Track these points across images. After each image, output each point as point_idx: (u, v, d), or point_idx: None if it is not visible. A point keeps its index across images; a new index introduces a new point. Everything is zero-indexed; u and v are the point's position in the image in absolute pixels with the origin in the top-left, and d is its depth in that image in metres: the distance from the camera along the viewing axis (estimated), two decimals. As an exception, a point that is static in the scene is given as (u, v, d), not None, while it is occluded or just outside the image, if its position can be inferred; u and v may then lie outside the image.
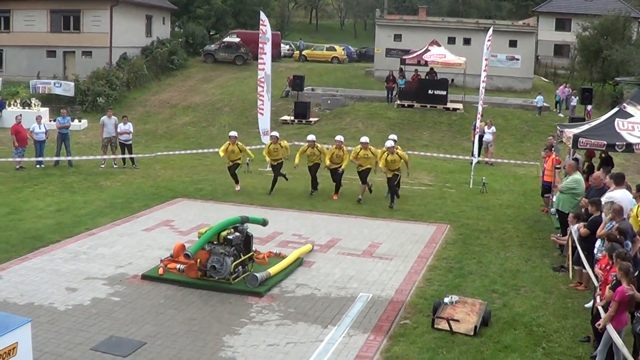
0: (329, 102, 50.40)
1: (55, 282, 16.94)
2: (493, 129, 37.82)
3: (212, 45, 69.38)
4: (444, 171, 34.49)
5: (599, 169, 22.80)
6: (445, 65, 51.36)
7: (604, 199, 17.36)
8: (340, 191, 27.86)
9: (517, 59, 60.53)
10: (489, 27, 35.26)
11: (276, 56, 63.06)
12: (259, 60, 33.79)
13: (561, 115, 50.12)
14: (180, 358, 13.00)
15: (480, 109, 30.68)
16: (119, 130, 34.14)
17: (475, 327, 14.23)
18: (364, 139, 27.54)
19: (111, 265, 18.38)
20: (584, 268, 16.45)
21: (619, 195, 17.23)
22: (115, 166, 34.05)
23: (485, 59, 30.66)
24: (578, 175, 20.52)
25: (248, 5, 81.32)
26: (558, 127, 25.32)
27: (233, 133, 29.37)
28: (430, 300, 15.91)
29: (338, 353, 13.29)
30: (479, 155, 33.92)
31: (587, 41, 65.29)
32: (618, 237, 14.22)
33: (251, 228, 18.22)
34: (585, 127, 22.52)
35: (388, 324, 14.79)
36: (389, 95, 51.49)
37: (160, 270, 17.53)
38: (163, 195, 26.94)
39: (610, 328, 11.99)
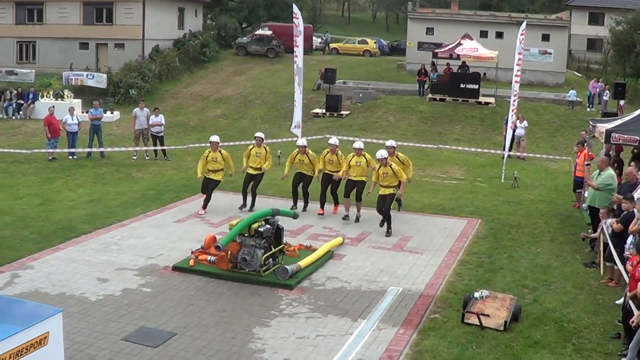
0: (360, 95, 50.32)
1: (86, 273, 17.05)
2: (525, 123, 37.62)
3: (244, 38, 69.38)
4: (476, 165, 34.36)
5: (629, 164, 22.64)
6: (477, 59, 51.20)
7: (636, 195, 17.24)
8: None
9: (550, 53, 60.12)
10: (522, 21, 35.04)
11: (308, 49, 63.04)
12: (294, 53, 33.76)
13: (592, 109, 49.73)
14: (210, 349, 13.04)
15: (515, 103, 30.48)
16: (150, 122, 34.27)
17: (506, 322, 14.17)
18: (357, 144, 23.97)
19: (142, 256, 18.47)
20: (616, 264, 16.35)
21: (652, 191, 17.12)
22: (147, 158, 34.21)
23: (518, 53, 30.48)
24: (611, 171, 20.36)
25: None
26: (590, 122, 25.13)
27: (215, 138, 24.78)
28: (461, 294, 15.86)
29: (367, 346, 13.28)
30: (510, 150, 33.73)
31: (620, 35, 64.71)
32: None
33: (282, 221, 18.25)
34: (618, 122, 22.35)
35: (418, 318, 14.77)
36: (421, 89, 51.34)
37: (191, 262, 17.59)
38: (194, 187, 26.98)
39: (642, 325, 11.91)
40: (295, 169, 24.28)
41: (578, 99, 50.49)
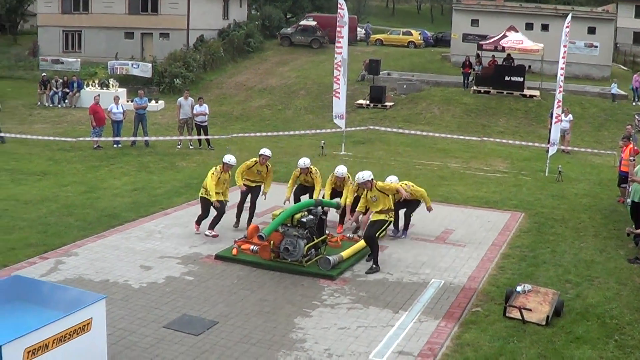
0: (404, 86, 50.19)
1: (130, 260, 17.18)
2: (570, 116, 37.35)
3: (289, 29, 69.43)
4: (520, 159, 34.15)
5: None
6: (522, 52, 50.82)
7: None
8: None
9: (596, 46, 59.53)
10: (568, 14, 34.83)
11: (352, 40, 62.94)
12: (337, 44, 33.75)
13: (639, 103, 49.16)
14: (252, 338, 13.08)
15: (560, 96, 30.22)
16: (195, 111, 34.43)
17: (548, 317, 14.06)
18: (339, 169, 20.53)
19: (185, 244, 18.57)
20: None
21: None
22: (191, 147, 34.38)
23: (564, 46, 30.22)
24: (657, 165, 20.18)
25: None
26: (636, 116, 24.91)
27: (268, 152, 21.11)
28: (503, 288, 15.77)
29: (409, 338, 13.25)
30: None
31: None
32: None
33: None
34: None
35: (460, 310, 14.71)
36: (465, 81, 51.11)
37: (234, 251, 17.66)
38: (238, 176, 27.14)
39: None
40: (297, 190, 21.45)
41: (622, 92, 49.93)
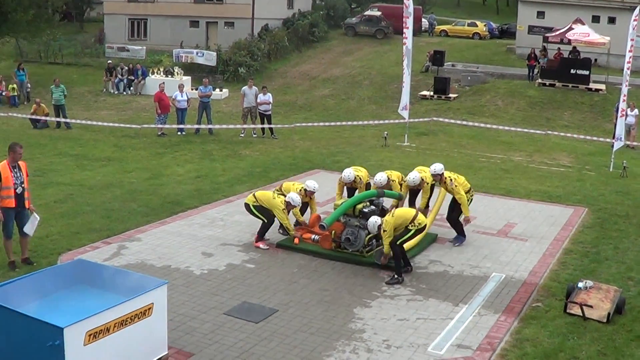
0: (469, 78, 49.88)
1: (192, 247, 17.32)
2: (636, 111, 36.81)
3: (353, 19, 69.23)
4: (584, 153, 33.74)
5: None
6: (588, 45, 50.15)
7: None
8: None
9: (665, 40, 58.59)
10: (635, 6, 34.23)
11: (417, 31, 62.67)
12: (403, 34, 33.63)
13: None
14: (311, 327, 13.13)
15: (626, 90, 29.80)
16: (258, 100, 34.57)
17: (609, 314, 13.89)
18: (378, 176, 18.84)
19: (247, 232, 18.65)
20: None
21: None
22: (254, 136, 34.52)
23: (631, 39, 29.76)
24: None
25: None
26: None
27: (313, 185, 18.76)
28: (564, 284, 15.61)
29: (468, 332, 13.19)
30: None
31: None
32: None
33: (387, 203, 18.22)
34: None
35: (520, 305, 14.59)
36: (530, 74, 50.60)
37: (295, 240, 17.70)
38: (300, 166, 27.15)
39: None
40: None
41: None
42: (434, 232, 19.01)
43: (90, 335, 10.12)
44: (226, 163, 27.74)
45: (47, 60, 58.86)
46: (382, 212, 17.63)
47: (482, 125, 37.36)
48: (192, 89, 43.10)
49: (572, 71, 48.03)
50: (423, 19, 75.70)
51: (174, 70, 49.69)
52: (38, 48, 59.50)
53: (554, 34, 51.22)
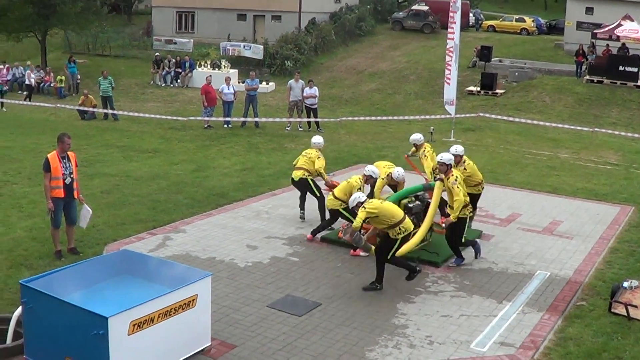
0: (516, 74, 49.49)
1: (236, 239, 17.37)
2: (686, 109, 36.45)
3: (401, 13, 68.97)
4: (632, 151, 33.35)
5: None
6: (637, 41, 49.51)
7: None
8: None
9: None
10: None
11: (465, 26, 62.34)
12: (449, 29, 33.51)
13: None
14: (354, 321, 13.12)
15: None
16: (305, 94, 34.62)
17: (654, 314, 13.78)
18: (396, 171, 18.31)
19: (291, 226, 18.69)
20: None
21: None
22: (300, 129, 34.58)
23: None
24: None
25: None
26: None
27: (319, 140, 20.53)
28: (609, 283, 15.45)
29: (511, 329, 13.11)
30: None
31: None
32: None
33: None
34: None
35: (564, 304, 14.47)
36: (578, 70, 50.12)
37: (340, 234, 17.68)
38: (346, 160, 27.13)
39: None
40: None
41: None
42: (478, 229, 18.91)
43: (134, 325, 10.19)
44: (272, 156, 27.80)
45: (95, 52, 59.39)
46: (427, 208, 17.50)
47: (529, 121, 37.11)
48: (238, 82, 43.24)
49: (621, 68, 47.44)
50: (470, 14, 75.27)
51: (221, 63, 49.83)
52: (86, 40, 60.06)
53: (602, 30, 50.70)
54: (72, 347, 10.37)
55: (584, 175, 26.87)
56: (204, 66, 50.12)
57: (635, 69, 47.12)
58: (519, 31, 71.63)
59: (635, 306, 13.91)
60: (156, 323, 10.53)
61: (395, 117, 37.69)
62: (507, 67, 52.22)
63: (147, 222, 18.51)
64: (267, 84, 48.29)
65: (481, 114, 37.49)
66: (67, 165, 15.47)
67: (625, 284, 14.82)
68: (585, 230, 19.72)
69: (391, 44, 61.48)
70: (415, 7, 68.28)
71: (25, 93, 44.82)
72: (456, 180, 15.96)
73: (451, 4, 32.98)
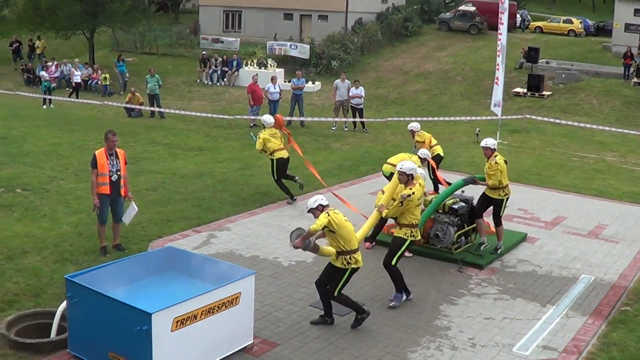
0: (563, 76, 49.14)
1: (280, 238, 17.39)
2: None
3: (447, 14, 68.69)
4: (680, 155, 33.04)
5: None
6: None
7: None
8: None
9: None
10: None
11: (512, 26, 61.95)
12: (498, 30, 33.33)
13: None
14: (397, 322, 13.12)
15: None
16: (351, 93, 34.65)
17: (700, 320, 13.63)
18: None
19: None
20: None
21: None
22: (345, 129, 34.61)
23: None
24: None
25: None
26: None
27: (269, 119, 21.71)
28: (655, 287, 15.37)
29: (554, 333, 13.03)
30: None
31: None
32: None
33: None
34: None
35: (608, 308, 14.35)
36: (626, 72, 49.69)
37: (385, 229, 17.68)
38: (390, 161, 27.12)
39: None
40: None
41: None
42: (523, 232, 18.82)
43: (177, 321, 10.27)
44: (317, 156, 27.81)
45: (142, 51, 59.79)
46: (472, 209, 17.44)
47: (576, 124, 36.82)
48: (284, 82, 43.32)
49: (670, 70, 47.04)
50: (518, 15, 74.83)
51: (267, 62, 50.03)
52: (133, 38, 60.48)
53: (650, 31, 50.26)
54: (116, 343, 10.48)
55: (631, 178, 26.63)
56: (251, 65, 50.34)
57: (684, 72, 46.66)
58: (566, 32, 71.03)
59: (681, 312, 13.77)
60: (199, 320, 10.59)
61: (441, 118, 37.56)
62: (554, 68, 51.85)
63: (191, 219, 18.61)
64: (313, 83, 48.40)
65: (527, 116, 37.24)
66: (115, 162, 15.57)
67: (671, 289, 14.68)
68: (630, 234, 19.55)
69: (437, 45, 61.29)
70: (462, 7, 67.94)
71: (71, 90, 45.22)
72: (408, 196, 13.72)
73: (499, 4, 32.81)
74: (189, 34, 64.58)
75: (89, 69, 49.38)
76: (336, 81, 36.01)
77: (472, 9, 66.52)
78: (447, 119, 37.79)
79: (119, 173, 15.63)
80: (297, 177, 21.40)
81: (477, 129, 32.62)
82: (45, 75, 42.64)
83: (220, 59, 51.76)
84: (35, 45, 58.17)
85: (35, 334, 11.83)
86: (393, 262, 13.96)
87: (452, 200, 17.21)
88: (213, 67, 51.12)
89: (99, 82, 47.02)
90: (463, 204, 17.25)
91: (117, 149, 15.75)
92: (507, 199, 17.09)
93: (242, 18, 64.74)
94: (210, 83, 50.43)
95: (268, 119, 21.52)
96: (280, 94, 35.47)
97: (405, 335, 12.65)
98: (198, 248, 16.40)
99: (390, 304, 13.90)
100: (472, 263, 16.31)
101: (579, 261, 17.14)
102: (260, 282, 13.72)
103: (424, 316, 13.50)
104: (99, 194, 15.50)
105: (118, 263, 12.26)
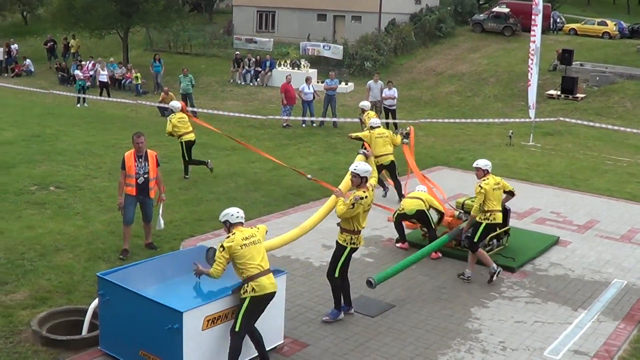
0: (597, 78, 48.82)
1: (312, 238, 17.31)
2: None
3: (481, 15, 68.41)
4: None
5: None
6: None
7: None
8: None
9: None
10: None
11: (546, 28, 61.65)
12: (531, 32, 33.20)
13: None
14: (427, 324, 13.12)
15: None
16: (384, 95, 34.64)
17: None
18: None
19: (368, 227, 18.40)
20: None
21: None
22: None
23: None
24: None
25: (520, -25, 79.94)
26: None
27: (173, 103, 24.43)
28: (689, 292, 15.26)
29: (586, 338, 12.97)
30: None
31: None
32: None
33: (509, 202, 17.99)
34: None
35: (640, 313, 14.31)
36: (661, 75, 49.40)
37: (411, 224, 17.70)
38: (423, 161, 27.00)
39: None
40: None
41: None
42: (555, 235, 18.75)
43: (208, 320, 10.33)
44: (349, 156, 27.75)
45: (176, 50, 60.11)
46: (504, 212, 17.31)
47: (610, 127, 36.55)
48: (318, 82, 43.36)
49: (703, 73, 46.66)
50: (551, 17, 74.48)
51: (300, 63, 50.12)
52: (167, 38, 60.88)
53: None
54: (147, 341, 10.55)
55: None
56: (284, 65, 50.48)
57: None
58: (600, 35, 70.62)
59: None
60: (230, 319, 10.64)
61: (474, 120, 37.42)
62: (588, 71, 51.51)
63: (224, 219, 18.66)
64: (346, 84, 48.43)
65: (561, 118, 37.03)
66: (143, 164, 15.61)
67: None
68: (665, 238, 19.42)
69: (471, 46, 61.07)
70: (496, 9, 67.68)
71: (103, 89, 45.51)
72: (362, 198, 13.03)
73: (533, 6, 32.68)
74: (222, 34, 64.80)
75: (123, 68, 49.71)
76: (369, 82, 36.02)
77: (506, 10, 66.23)
78: (480, 120, 37.64)
79: (146, 176, 15.66)
80: (209, 161, 23.57)
81: (511, 131, 32.51)
82: (80, 74, 42.97)
83: (254, 59, 51.94)
84: (70, 45, 58.72)
85: (67, 331, 11.95)
86: (336, 274, 13.12)
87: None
88: (246, 67, 51.32)
89: (132, 82, 47.31)
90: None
91: (148, 151, 15.82)
92: (490, 226, 15.49)
93: (276, 18, 64.90)
94: (243, 83, 50.63)
95: (176, 104, 23.82)
96: (314, 95, 35.51)
97: (436, 337, 12.65)
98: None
99: (324, 319, 13.12)
100: (504, 266, 16.24)
101: (611, 265, 17.05)
102: (291, 282, 13.76)
103: (455, 318, 13.49)
104: (125, 194, 15.60)
105: (150, 261, 12.35)
